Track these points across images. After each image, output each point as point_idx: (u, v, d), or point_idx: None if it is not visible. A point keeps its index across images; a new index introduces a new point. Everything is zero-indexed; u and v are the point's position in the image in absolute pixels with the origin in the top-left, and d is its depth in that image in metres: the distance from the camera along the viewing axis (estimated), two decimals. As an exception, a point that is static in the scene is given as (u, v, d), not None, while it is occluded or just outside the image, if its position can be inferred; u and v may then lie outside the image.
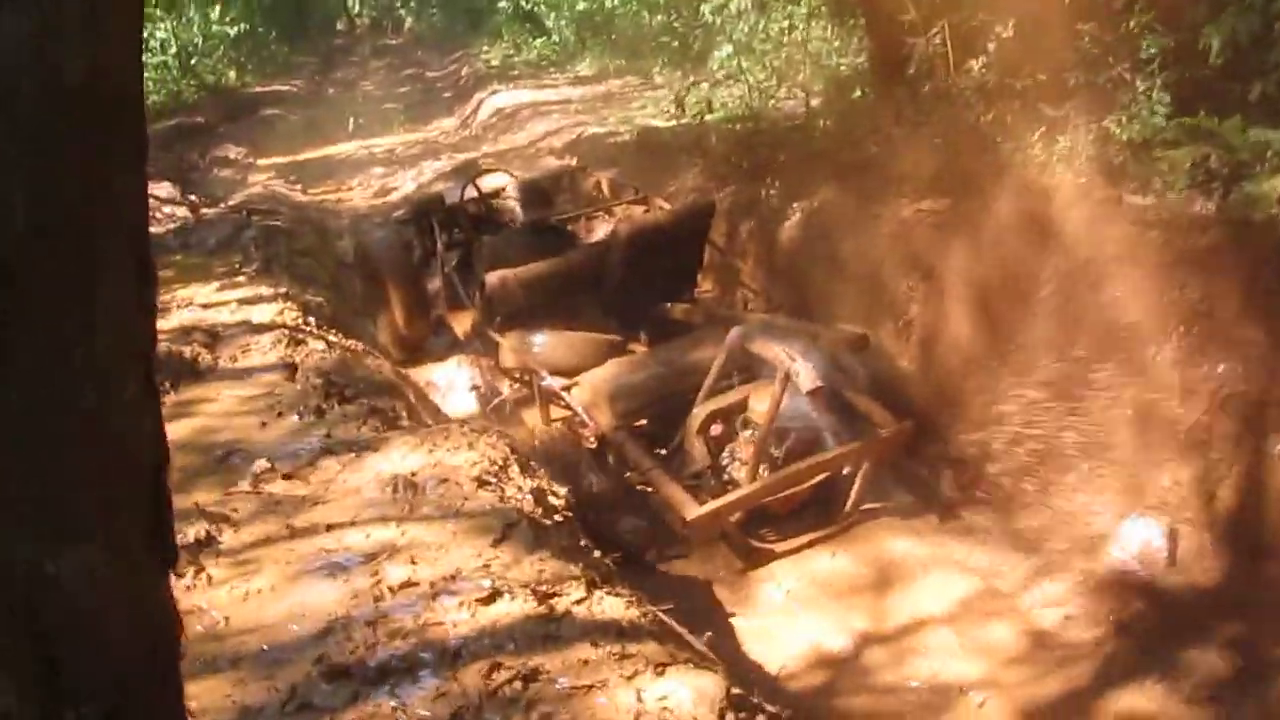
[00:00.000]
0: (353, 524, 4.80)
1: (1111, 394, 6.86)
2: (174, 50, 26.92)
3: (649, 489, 7.20)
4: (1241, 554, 6.12)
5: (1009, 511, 7.24)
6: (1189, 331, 6.51)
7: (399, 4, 48.26)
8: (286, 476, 5.43)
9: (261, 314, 8.47)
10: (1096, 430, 6.92)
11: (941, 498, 7.50)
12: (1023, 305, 7.55)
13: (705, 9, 16.47)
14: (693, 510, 6.63)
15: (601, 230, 9.96)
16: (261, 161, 19.60)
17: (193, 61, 27.81)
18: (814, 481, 7.16)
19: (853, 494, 7.26)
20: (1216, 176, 7.40)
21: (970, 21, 9.23)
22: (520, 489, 5.32)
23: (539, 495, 5.39)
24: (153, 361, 1.65)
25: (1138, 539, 6.45)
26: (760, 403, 7.12)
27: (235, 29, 30.59)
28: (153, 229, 7.77)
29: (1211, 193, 7.36)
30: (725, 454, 7.35)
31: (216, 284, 9.48)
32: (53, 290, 1.41)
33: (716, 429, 7.34)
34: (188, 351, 7.49)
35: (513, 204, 10.84)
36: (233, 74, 29.64)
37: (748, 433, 7.27)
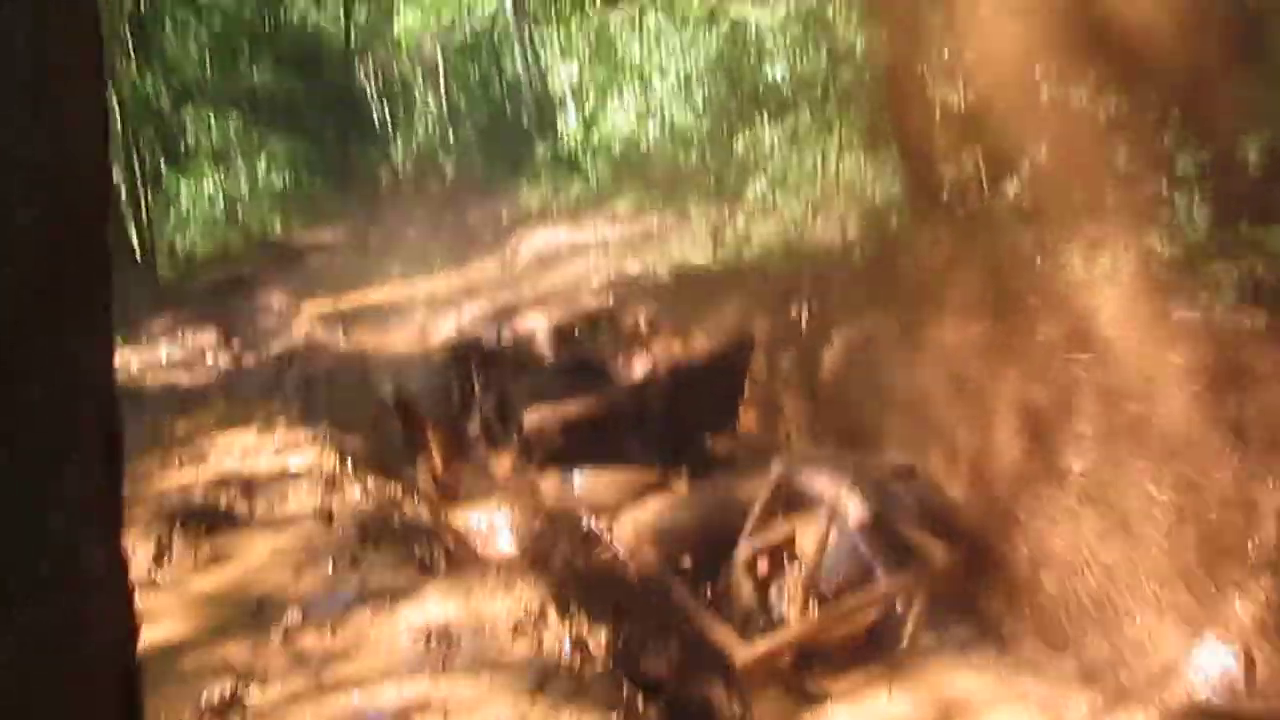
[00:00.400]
0: (384, 678, 4.62)
1: (1173, 515, 6.60)
2: (222, 203, 27.57)
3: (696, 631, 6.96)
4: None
5: (1073, 641, 6.92)
6: (1249, 448, 6.29)
7: (440, 153, 49.35)
8: (318, 629, 5.28)
9: (299, 460, 8.40)
10: (1159, 553, 6.64)
11: (1001, 630, 7.18)
12: (1075, 426, 7.35)
13: (738, 146, 16.60)
14: (743, 653, 6.38)
15: (640, 368, 9.88)
16: (306, 308, 19.80)
17: (239, 214, 28.43)
18: (867, 618, 6.88)
19: (907, 629, 6.96)
20: (1265, 287, 7.24)
21: (1002, 144, 9.19)
22: (559, 636, 5.14)
23: (578, 642, 5.19)
24: (120, 538, 1.53)
25: (1212, 666, 6.13)
26: (807, 538, 6.92)
27: (281, 181, 31.32)
28: (194, 378, 7.79)
29: (1261, 304, 7.19)
30: (773, 591, 7.11)
31: (255, 431, 9.44)
32: (12, 469, 1.30)
33: (763, 566, 7.13)
34: (223, 500, 7.40)
35: (550, 344, 10.80)
36: (278, 223, 30.22)
37: (795, 569, 7.04)
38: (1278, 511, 6.07)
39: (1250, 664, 6.02)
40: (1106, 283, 8.09)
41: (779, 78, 16.87)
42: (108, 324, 1.51)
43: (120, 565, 1.50)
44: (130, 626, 1.53)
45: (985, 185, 9.43)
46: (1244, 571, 6.21)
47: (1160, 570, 6.61)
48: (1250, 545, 6.19)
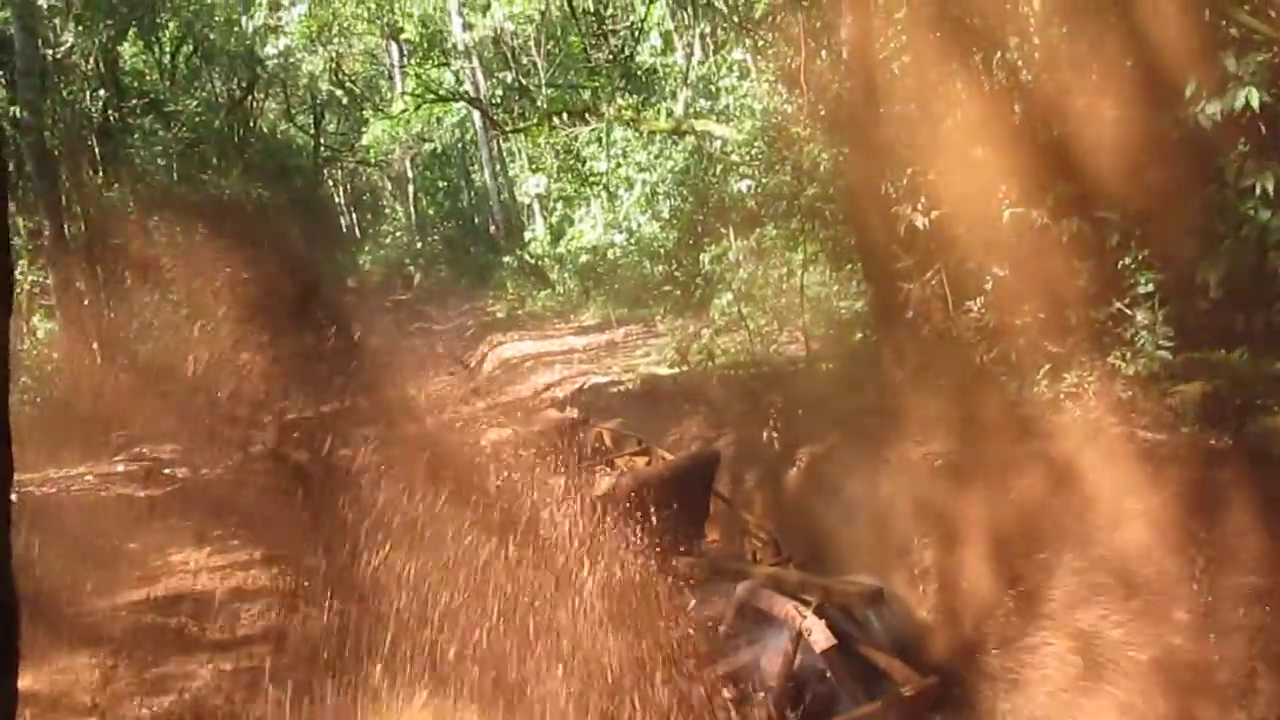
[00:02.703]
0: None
1: (1141, 643, 6.51)
2: (186, 312, 27.42)
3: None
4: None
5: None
6: (1216, 571, 6.23)
7: (407, 261, 49.53)
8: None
9: (254, 580, 8.20)
10: (1128, 680, 6.53)
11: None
12: (1040, 547, 7.28)
13: (704, 258, 16.72)
14: (707, 781, 6.20)
15: (605, 483, 9.76)
16: (264, 419, 19.60)
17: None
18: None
19: (877, 758, 6.80)
20: (1229, 409, 7.26)
21: (966, 264, 9.26)
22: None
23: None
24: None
25: (1184, 800, 6.01)
26: (772, 663, 6.77)
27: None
28: (150, 490, 7.61)
29: (1225, 426, 7.21)
30: (739, 717, 6.94)
31: (209, 548, 9.24)
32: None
33: (729, 692, 6.96)
34: (174, 621, 7.19)
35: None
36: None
37: (761, 695, 6.88)
38: (1249, 638, 6.00)
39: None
40: (1071, 402, 8.11)
41: (744, 190, 17.04)
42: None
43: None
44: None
45: (949, 303, 9.48)
46: (1215, 700, 6.11)
47: (1128, 700, 6.50)
48: (1221, 673, 6.10)
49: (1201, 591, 6.34)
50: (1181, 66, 7.67)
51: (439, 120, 39.59)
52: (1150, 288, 8.10)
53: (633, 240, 22.71)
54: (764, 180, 16.29)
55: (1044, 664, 6.93)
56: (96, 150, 28.60)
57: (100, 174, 29.07)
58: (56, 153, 22.90)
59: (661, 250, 21.13)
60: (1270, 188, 7.40)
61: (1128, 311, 8.22)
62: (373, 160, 49.84)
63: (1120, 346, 8.16)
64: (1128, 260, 8.20)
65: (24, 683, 5.93)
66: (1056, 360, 8.43)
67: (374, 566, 10.03)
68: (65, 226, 22.20)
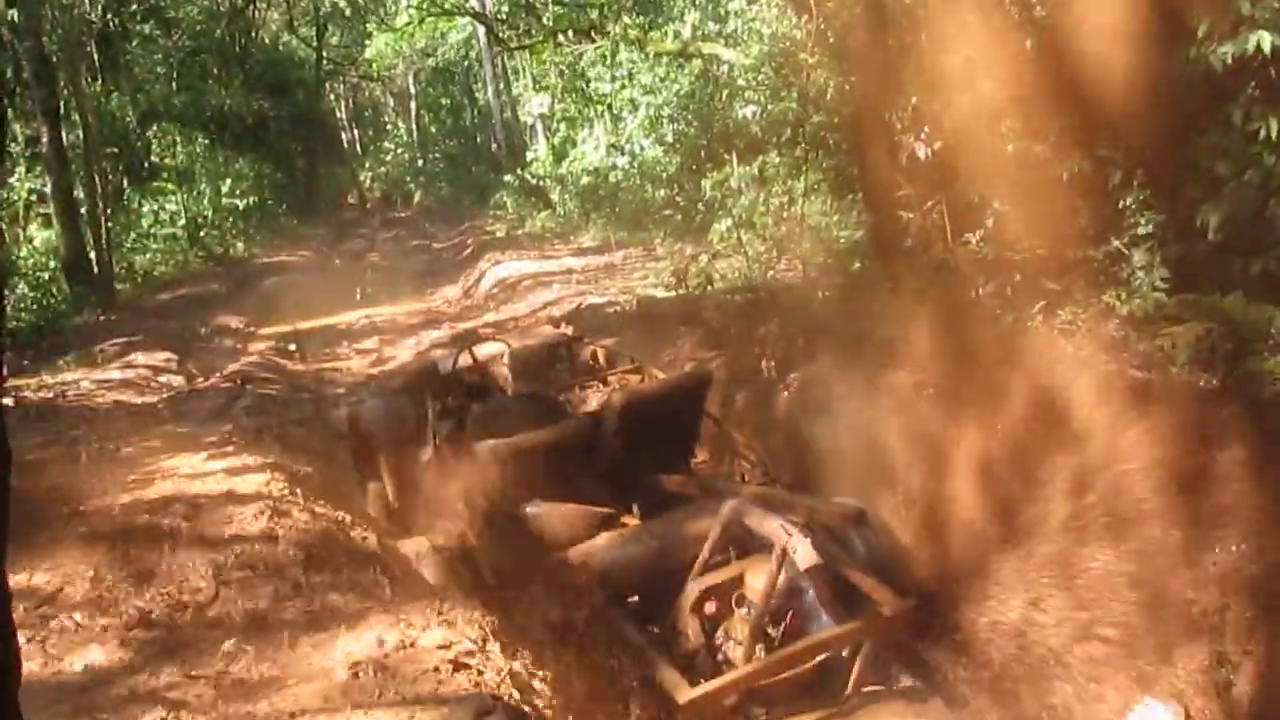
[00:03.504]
0: (319, 711, 4.53)
1: (1119, 574, 6.62)
2: (183, 222, 27.37)
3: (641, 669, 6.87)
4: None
5: (1016, 696, 6.91)
6: (1197, 510, 6.32)
7: (408, 179, 49.32)
8: (254, 656, 5.17)
9: (247, 485, 8.27)
10: (1104, 613, 6.65)
11: (947, 681, 7.15)
12: (1025, 480, 7.37)
13: (706, 184, 16.68)
14: (685, 693, 6.31)
15: (596, 400, 9.83)
16: (263, 331, 19.67)
17: (201, 233, 28.23)
18: (813, 662, 6.83)
19: (853, 675, 6.92)
20: (1219, 353, 7.30)
21: (967, 196, 9.26)
22: (500, 671, 5.06)
23: (519, 678, 5.12)
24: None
25: (1150, 727, 6.15)
26: (756, 579, 6.86)
27: (245, 202, 31.14)
28: (146, 398, 7.68)
29: (1215, 369, 7.25)
30: (720, 633, 7.05)
31: (204, 454, 9.31)
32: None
33: (711, 606, 7.06)
34: (167, 522, 7.27)
35: (506, 373, 10.72)
36: (241, 245, 30.02)
37: (743, 610, 6.98)
38: (1222, 574, 6.10)
39: (1190, 722, 6.04)
40: (1064, 338, 8.15)
41: (749, 116, 16.96)
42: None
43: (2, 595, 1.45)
44: (7, 660, 1.47)
45: (948, 234, 9.50)
46: (1188, 634, 6.23)
47: (1104, 629, 6.62)
48: (1196, 608, 6.22)
49: (1182, 528, 6.44)
50: (1195, 7, 7.63)
51: (443, 35, 39.20)
52: (1150, 229, 8.11)
53: (635, 163, 22.66)
54: (769, 106, 16.22)
55: (1022, 589, 7.05)
56: (95, 57, 28.36)
57: (99, 81, 28.84)
58: (55, 59, 22.69)
59: (664, 174, 21.10)
60: (1275, 132, 7.40)
61: (1126, 251, 8.23)
62: (375, 75, 49.44)
63: (1116, 286, 8.19)
64: (1129, 200, 8.20)
65: (22, 579, 6.03)
66: (1052, 296, 8.46)
67: (361, 473, 10.16)
68: (64, 134, 22.06)
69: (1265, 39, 7.19)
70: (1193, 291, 7.81)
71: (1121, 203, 8.22)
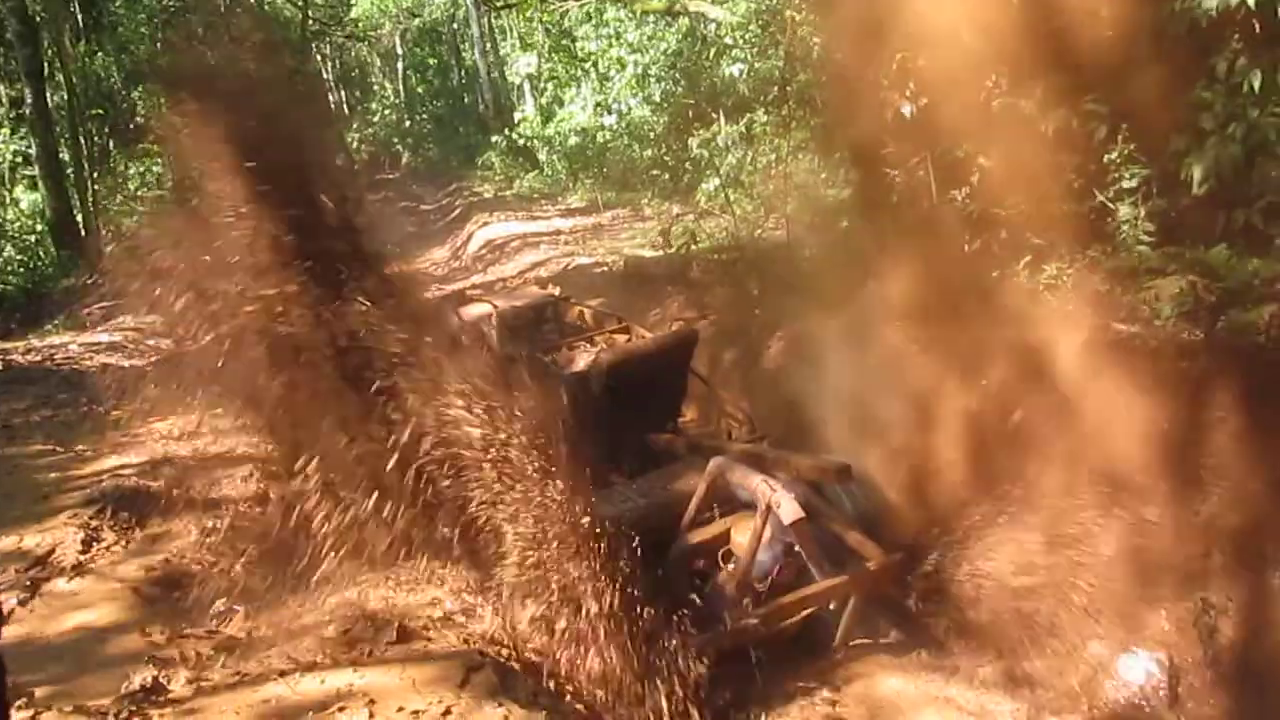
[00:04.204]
0: (309, 668, 4.57)
1: (1104, 527, 6.68)
2: (171, 185, 27.16)
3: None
4: (1243, 688, 5.91)
5: (1002, 649, 6.97)
6: (1181, 461, 6.38)
7: (396, 140, 49.04)
8: (246, 616, 5.22)
9: (238, 445, 8.30)
10: (1090, 564, 6.71)
11: (933, 634, 7.23)
12: (1012, 435, 7.41)
13: (693, 143, 16.64)
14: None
15: (583, 359, 9.84)
16: (254, 294, 19.57)
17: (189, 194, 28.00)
18: (800, 616, 6.89)
19: (840, 629, 6.99)
20: (1203, 305, 7.34)
21: (953, 152, 9.24)
22: (490, 628, 5.11)
23: (509, 634, 5.17)
24: None
25: (1137, 676, 6.23)
26: (742, 535, 6.91)
27: (232, 162, 30.82)
28: (134, 361, 7.65)
29: (1199, 321, 7.29)
30: (708, 588, 7.10)
31: (194, 414, 9.31)
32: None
33: (699, 562, 7.12)
34: (157, 484, 7.30)
35: (494, 334, 10.72)
36: (228, 206, 29.71)
37: (730, 566, 7.03)
38: (1205, 525, 6.16)
39: (1175, 674, 6.12)
40: (1050, 293, 8.18)
41: (736, 75, 16.89)
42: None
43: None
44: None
45: (934, 192, 9.49)
46: (1172, 584, 6.30)
47: (1090, 581, 6.69)
48: (1179, 559, 6.29)
49: (1167, 479, 6.49)
50: (1181, -42, 7.60)
51: (430, -5, 38.94)
52: (1135, 183, 8.12)
53: (623, 123, 22.53)
54: (756, 65, 16.15)
55: (1009, 543, 7.11)
56: (79, 17, 28.07)
57: (84, 42, 28.57)
58: (38, 19, 22.45)
59: (651, 134, 20.99)
60: (1259, 86, 7.40)
61: (1111, 206, 8.25)
62: (362, 35, 49.06)
63: (1101, 240, 8.21)
64: (1114, 155, 8.21)
65: (12, 541, 6.07)
66: (1038, 251, 8.47)
67: (359, 435, 10.15)
68: (48, 96, 21.86)
69: (1252, -9, 7.18)
70: (1178, 245, 7.82)
71: (1107, 157, 8.22)
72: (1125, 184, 8.14)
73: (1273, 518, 5.94)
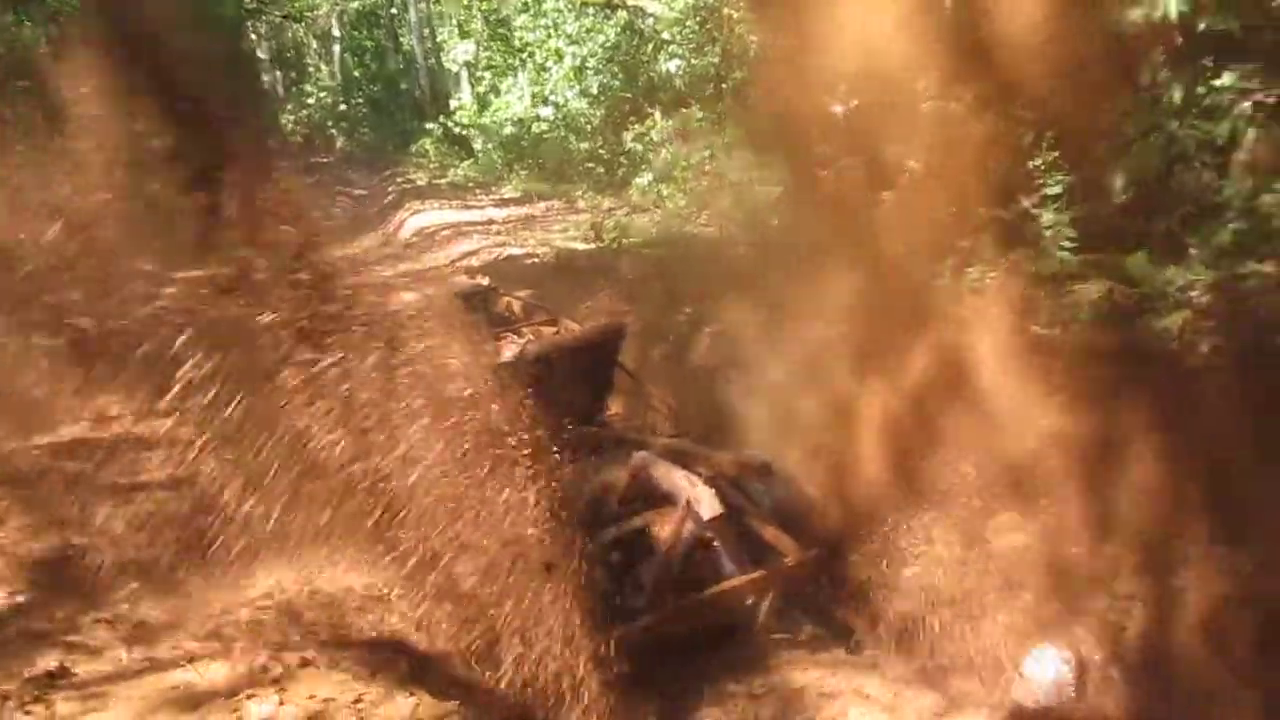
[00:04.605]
0: (219, 654, 4.52)
1: (1019, 527, 6.81)
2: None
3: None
4: (1150, 687, 6.05)
5: (917, 645, 7.08)
6: (1093, 463, 6.51)
7: (330, 123, 48.53)
8: (156, 600, 5.15)
9: (159, 427, 8.16)
10: (1004, 563, 6.84)
11: (849, 630, 7.32)
12: (931, 435, 7.51)
13: (628, 137, 16.67)
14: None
15: (510, 350, 9.82)
16: (175, 274, 19.30)
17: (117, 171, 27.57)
18: (718, 611, 6.94)
19: (758, 624, 7.05)
20: (1121, 311, 7.48)
21: (882, 154, 9.32)
22: (405, 616, 5.09)
23: (426, 623, 5.15)
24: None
25: (1046, 673, 6.34)
26: (662, 530, 6.94)
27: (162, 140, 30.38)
28: (55, 340, 7.49)
29: (1116, 326, 7.43)
30: (628, 582, 7.13)
31: (116, 396, 9.15)
32: None
33: (617, 556, 7.13)
34: (71, 465, 7.18)
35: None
36: (156, 185, 29.32)
37: (650, 560, 7.06)
38: (1116, 526, 6.29)
39: (1081, 669, 6.24)
40: (973, 296, 8.28)
41: (673, 70, 16.94)
42: None
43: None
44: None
45: (863, 192, 9.56)
46: (1082, 583, 6.43)
47: (1003, 580, 6.81)
48: (1089, 558, 6.41)
49: (1081, 481, 6.62)
50: (1107, -31, 7.73)
51: (368, -22, 38.60)
52: (1059, 189, 8.23)
53: (559, 114, 22.53)
54: (693, 61, 16.20)
55: (926, 541, 7.21)
56: (7, -13, 27.48)
57: (11, 13, 27.96)
58: (-41, -11, 21.91)
59: (588, 126, 21.02)
60: (1179, 97, 7.55)
61: (1035, 211, 8.35)
62: (299, 16, 48.47)
63: (1024, 245, 8.32)
64: (1039, 161, 8.31)
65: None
66: (962, 254, 8.57)
67: (271, 423, 10.03)
68: (-28, 68, 21.38)
69: (1173, 4, 7.30)
70: (1099, 251, 7.95)
71: (1032, 163, 8.32)
72: (1049, 190, 8.24)
73: (1179, 518, 6.08)
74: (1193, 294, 7.25)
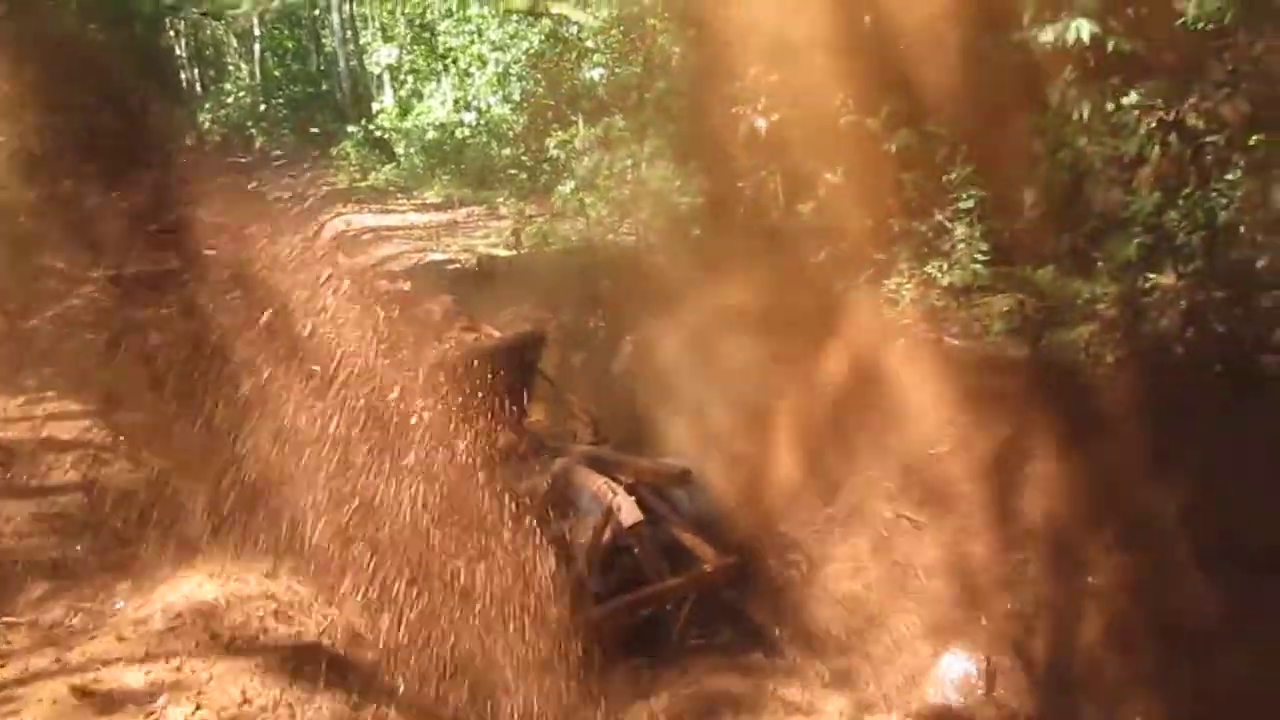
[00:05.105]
0: (135, 659, 4.49)
1: (930, 534, 6.96)
2: (5, 157, 26.15)
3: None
4: (1055, 686, 6.23)
5: (832, 649, 7.21)
6: (1001, 471, 6.68)
7: (250, 124, 47.88)
8: (69, 605, 5.09)
9: (67, 431, 8.03)
10: (914, 569, 6.99)
11: (766, 635, 7.42)
12: (845, 443, 7.65)
13: (551, 144, 16.67)
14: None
15: (431, 355, 9.78)
16: (90, 274, 18.95)
17: (29, 168, 27.01)
18: (638, 616, 7.01)
19: (676, 629, 7.13)
20: (1030, 322, 7.68)
21: (801, 167, 9.47)
22: (324, 622, 5.09)
23: (345, 629, 5.16)
24: None
25: (955, 674, 6.51)
26: (582, 536, 6.99)
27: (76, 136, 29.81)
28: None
29: (1025, 337, 7.63)
30: (548, 588, 7.16)
31: (22, 398, 8.99)
32: None
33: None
34: (-24, 469, 7.04)
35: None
36: (68, 182, 28.76)
37: (570, 566, 7.10)
38: (1022, 534, 6.46)
39: (990, 671, 6.40)
40: (888, 306, 8.45)
41: (596, 79, 16.96)
42: None
43: None
44: None
45: (782, 204, 9.71)
46: (990, 588, 6.60)
47: (914, 585, 6.96)
48: (997, 564, 6.58)
49: (990, 488, 6.79)
50: (1022, -7, 7.93)
51: (291, -23, 38.09)
52: (971, 203, 8.44)
53: (482, 120, 22.45)
54: (616, 70, 16.24)
55: (840, 547, 7.35)
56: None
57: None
58: None
59: (510, 133, 20.96)
60: (1087, 115, 7.77)
61: (948, 225, 8.56)
62: (218, 14, 47.72)
63: (938, 257, 8.51)
64: (952, 175, 8.52)
65: None
66: (879, 266, 8.74)
67: (195, 424, 9.91)
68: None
69: (1084, 27, 7.53)
70: (1010, 264, 8.16)
71: (946, 178, 8.52)
72: (963, 204, 8.45)
73: (1082, 523, 6.26)
74: (1099, 306, 7.48)
